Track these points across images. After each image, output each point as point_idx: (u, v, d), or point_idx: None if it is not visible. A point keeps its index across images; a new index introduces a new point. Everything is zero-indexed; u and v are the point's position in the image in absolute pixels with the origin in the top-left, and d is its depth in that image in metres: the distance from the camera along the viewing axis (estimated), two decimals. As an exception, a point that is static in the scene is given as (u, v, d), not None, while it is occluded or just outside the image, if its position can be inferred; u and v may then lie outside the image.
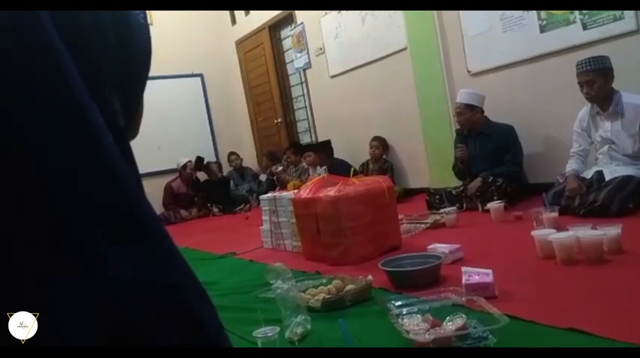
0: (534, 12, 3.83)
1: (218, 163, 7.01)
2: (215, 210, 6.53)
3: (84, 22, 0.46)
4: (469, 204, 3.76)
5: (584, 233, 2.16)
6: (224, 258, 3.44)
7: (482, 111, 3.97)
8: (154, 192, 6.55)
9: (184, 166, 6.59)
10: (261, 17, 6.85)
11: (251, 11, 7.03)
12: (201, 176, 6.90)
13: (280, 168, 6.29)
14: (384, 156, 5.19)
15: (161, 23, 6.53)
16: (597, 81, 3.13)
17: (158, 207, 6.58)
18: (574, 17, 3.60)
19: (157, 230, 0.46)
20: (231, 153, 7.00)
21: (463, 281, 1.92)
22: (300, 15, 6.18)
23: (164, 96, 6.42)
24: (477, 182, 3.77)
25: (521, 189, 3.79)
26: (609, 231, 2.17)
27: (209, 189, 6.73)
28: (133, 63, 0.55)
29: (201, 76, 7.40)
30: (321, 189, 2.90)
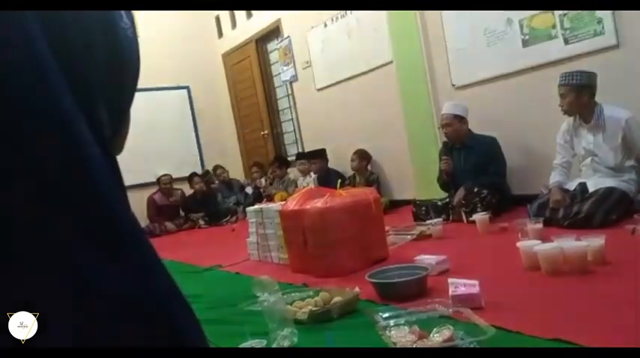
0: (517, 26, 3.90)
1: (222, 168, 6.99)
2: (201, 222, 6.49)
3: (73, 34, 0.46)
4: (455, 215, 3.79)
5: (568, 244, 2.18)
6: (210, 270, 3.41)
7: (467, 123, 4.03)
8: (139, 204, 6.51)
9: (159, 179, 6.56)
10: (247, 30, 6.88)
11: (237, 24, 7.05)
12: (187, 189, 6.87)
13: (264, 182, 6.31)
14: (369, 168, 5.21)
15: (148, 35, 6.53)
16: (568, 96, 3.19)
17: (143, 220, 6.53)
18: (556, 32, 3.67)
19: (141, 243, 0.46)
20: (217, 167, 6.98)
21: (450, 292, 1.92)
22: (287, 28, 6.22)
23: (151, 109, 6.39)
24: (460, 192, 3.80)
25: (505, 200, 3.83)
26: (593, 242, 2.19)
27: (195, 201, 6.69)
28: (121, 75, 0.55)
29: (187, 88, 7.39)
30: (308, 200, 2.90)
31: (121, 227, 0.44)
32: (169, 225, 6.44)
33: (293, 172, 6.16)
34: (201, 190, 6.71)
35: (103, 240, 0.40)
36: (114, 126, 0.54)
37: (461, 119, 3.99)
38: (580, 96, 3.18)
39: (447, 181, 4.04)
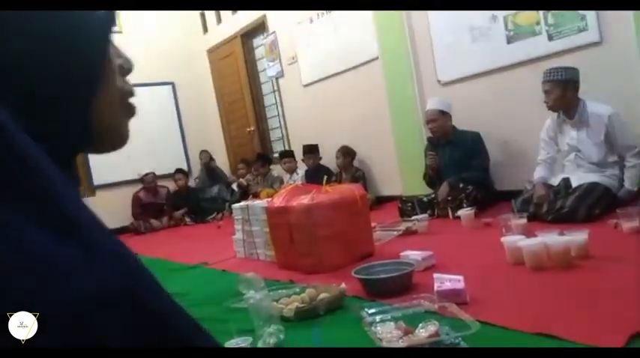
0: (501, 23, 3.92)
1: (207, 152, 6.97)
2: (187, 219, 6.46)
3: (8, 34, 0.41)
4: (440, 211, 3.81)
5: (552, 239, 2.20)
6: (196, 268, 3.39)
7: (451, 118, 4.05)
8: (123, 201, 6.46)
9: (146, 175, 6.51)
10: (233, 26, 6.83)
11: (223, 19, 7.00)
12: (172, 186, 6.82)
13: (245, 182, 6.29)
14: (354, 165, 5.22)
15: (131, 30, 6.46)
16: (554, 91, 3.22)
17: (128, 217, 6.48)
18: (540, 28, 3.70)
19: (99, 232, 0.42)
20: (202, 151, 6.99)
21: (435, 287, 1.93)
22: (273, 24, 6.19)
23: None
24: (444, 187, 3.83)
25: (490, 195, 3.86)
26: (577, 237, 2.22)
27: (180, 197, 6.66)
28: (76, 70, 0.45)
29: (172, 84, 7.33)
30: (295, 197, 2.89)
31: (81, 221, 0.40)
32: (154, 222, 6.39)
33: (277, 169, 6.15)
34: (184, 186, 6.68)
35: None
36: (83, 128, 0.46)
37: (445, 114, 4.01)
38: (565, 91, 3.21)
39: (433, 177, 4.06)
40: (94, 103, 0.46)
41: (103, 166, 6.27)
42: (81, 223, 0.38)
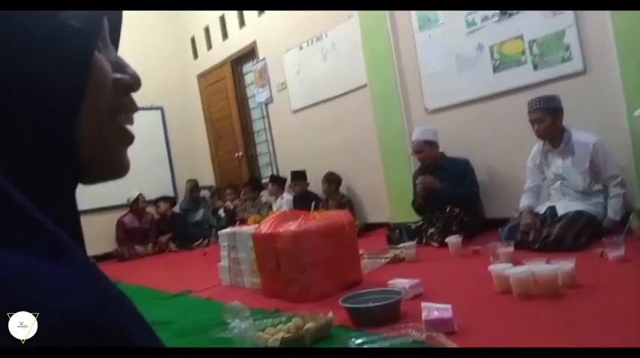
0: (487, 52, 3.99)
1: (192, 181, 6.91)
2: (172, 245, 6.38)
3: None
4: (428, 239, 3.80)
5: (539, 268, 2.19)
6: (180, 296, 3.33)
7: (438, 146, 4.07)
8: (107, 227, 6.37)
9: (136, 200, 6.44)
10: (223, 52, 6.88)
11: (213, 45, 7.06)
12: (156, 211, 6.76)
13: (231, 206, 6.26)
14: (340, 191, 5.22)
15: (122, 54, 6.47)
16: (546, 119, 3.26)
17: (112, 243, 6.39)
18: (525, 58, 3.77)
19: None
20: (188, 181, 6.94)
21: (423, 317, 1.91)
22: (263, 50, 6.25)
23: None
24: (433, 217, 3.82)
25: (478, 221, 3.87)
26: (564, 266, 2.22)
27: (165, 223, 6.59)
28: (50, 90, 0.38)
29: (161, 108, 7.33)
30: (282, 223, 2.87)
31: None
32: (139, 248, 6.30)
33: (265, 195, 6.13)
34: (164, 214, 6.64)
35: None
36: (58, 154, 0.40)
37: (431, 143, 4.04)
38: (555, 119, 3.26)
39: (423, 204, 4.06)
40: (78, 128, 0.40)
41: (85, 192, 6.15)
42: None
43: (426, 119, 4.45)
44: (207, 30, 7.09)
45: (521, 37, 3.77)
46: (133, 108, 0.47)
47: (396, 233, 3.97)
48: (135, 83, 0.47)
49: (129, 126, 0.47)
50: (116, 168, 0.46)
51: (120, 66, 0.46)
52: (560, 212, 3.20)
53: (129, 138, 0.47)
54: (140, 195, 6.44)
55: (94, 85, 0.41)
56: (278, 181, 5.84)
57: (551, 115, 3.25)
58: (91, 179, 0.45)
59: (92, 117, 0.41)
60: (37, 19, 0.37)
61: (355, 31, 4.93)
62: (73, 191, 0.43)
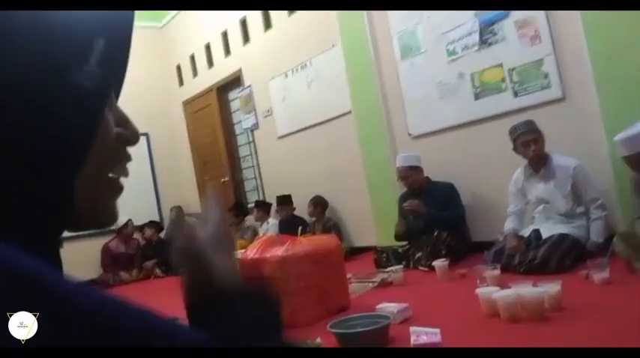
0: (469, 80, 4.08)
1: (178, 208, 6.86)
2: (157, 271, 6.29)
3: None
4: (416, 262, 3.81)
5: (525, 291, 2.22)
6: (166, 323, 3.28)
7: (422, 171, 4.12)
8: (91, 253, 6.28)
9: (125, 225, 6.37)
10: (209, 79, 6.94)
11: (199, 72, 7.11)
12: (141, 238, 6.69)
13: None
14: (326, 215, 5.23)
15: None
16: (540, 140, 3.33)
17: (96, 270, 6.29)
18: (505, 85, 3.86)
19: None
20: (173, 208, 6.89)
21: (412, 341, 1.92)
22: (248, 78, 6.31)
23: None
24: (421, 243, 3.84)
25: (465, 245, 3.90)
26: (550, 289, 2.24)
27: (150, 248, 6.52)
28: (58, 145, 0.40)
29: (146, 135, 7.32)
30: (269, 248, 2.86)
31: None
32: (124, 274, 6.20)
33: (250, 220, 6.11)
34: (150, 239, 6.57)
35: None
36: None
37: (416, 169, 4.08)
38: (544, 141, 3.33)
39: (405, 231, 4.07)
40: (76, 182, 0.42)
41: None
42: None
43: (410, 144, 4.51)
44: (192, 58, 7.16)
45: (501, 66, 3.87)
46: (129, 159, 0.49)
47: (383, 256, 3.98)
48: (135, 138, 0.49)
49: (121, 178, 0.49)
50: (105, 218, 0.48)
51: (122, 120, 0.48)
52: (545, 235, 3.25)
53: (119, 190, 0.49)
54: (130, 220, 6.39)
55: (98, 141, 0.43)
56: (263, 206, 5.84)
57: (542, 136, 3.33)
58: (80, 227, 0.46)
59: (92, 170, 0.43)
60: (50, 77, 0.39)
61: (339, 58, 5.02)
62: (60, 237, 0.44)
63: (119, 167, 0.48)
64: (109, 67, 0.43)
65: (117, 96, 0.49)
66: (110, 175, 0.47)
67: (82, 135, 0.41)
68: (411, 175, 4.07)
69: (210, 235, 0.61)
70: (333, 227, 5.06)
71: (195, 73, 7.19)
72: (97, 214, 0.47)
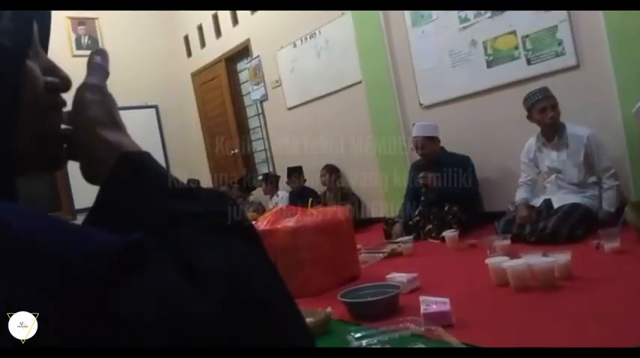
0: (481, 48, 4.00)
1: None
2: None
3: None
4: (426, 235, 3.80)
5: (535, 260, 2.22)
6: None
7: (439, 141, 4.06)
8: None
9: None
10: (217, 50, 6.87)
11: (207, 44, 7.04)
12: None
13: None
14: (339, 184, 5.24)
15: (116, 53, 6.45)
16: (557, 106, 3.28)
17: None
18: (518, 53, 3.78)
19: None
20: (190, 180, 6.91)
21: (421, 310, 1.93)
22: (256, 48, 6.24)
23: None
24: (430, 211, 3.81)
25: (475, 216, 3.88)
26: (559, 258, 2.24)
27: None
28: None
29: (155, 107, 7.31)
30: (280, 220, 2.88)
31: None
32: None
33: (255, 194, 6.12)
34: None
35: None
36: None
37: (433, 139, 4.02)
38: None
39: (429, 196, 3.99)
40: (14, 129, 0.45)
41: (84, 190, 6.15)
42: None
43: (421, 114, 4.46)
44: (200, 28, 7.07)
45: (514, 33, 3.78)
46: (63, 105, 0.51)
47: (393, 228, 3.99)
48: (65, 85, 0.51)
49: (60, 124, 0.51)
50: (51, 161, 0.51)
51: (51, 69, 0.50)
52: (556, 205, 3.22)
53: (59, 135, 0.51)
54: None
55: (26, 91, 0.45)
56: (272, 178, 5.84)
57: (557, 104, 3.28)
58: (30, 172, 0.50)
59: (26, 118, 0.46)
60: None
61: (348, 27, 4.94)
62: (13, 183, 0.47)
63: (55, 114, 0.50)
64: (24, 21, 0.45)
65: (43, 45, 0.51)
66: (50, 122, 0.49)
67: (6, 87, 0.43)
68: (428, 145, 4.00)
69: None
70: (347, 194, 5.06)
71: (203, 43, 7.13)
72: (42, 158, 0.50)
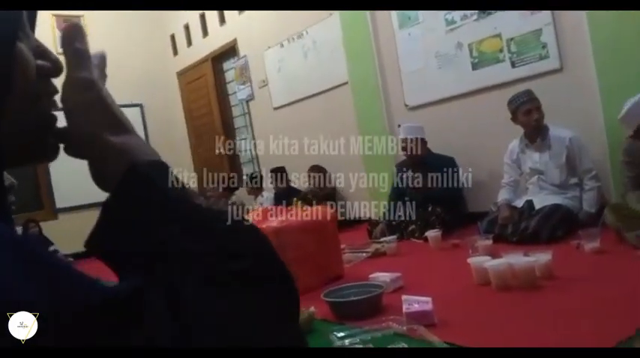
0: (466, 50, 4.04)
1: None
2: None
3: None
4: (409, 235, 3.82)
5: (517, 260, 2.24)
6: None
7: (426, 142, 4.08)
8: (88, 225, 6.24)
9: None
10: (203, 49, 6.84)
11: (193, 43, 7.01)
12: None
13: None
14: (325, 185, 5.24)
15: (99, 50, 6.40)
16: (541, 108, 3.32)
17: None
18: (503, 55, 3.82)
19: None
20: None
21: (404, 309, 1.94)
22: (243, 48, 6.23)
23: None
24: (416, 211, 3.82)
25: (459, 216, 3.91)
26: (540, 258, 2.26)
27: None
28: None
29: (140, 105, 7.25)
30: (264, 219, 2.88)
31: None
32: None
33: (238, 194, 6.10)
34: None
35: None
36: None
37: (421, 141, 4.04)
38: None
39: (416, 198, 3.99)
40: (2, 115, 0.42)
41: (66, 189, 6.10)
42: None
43: (407, 115, 4.49)
44: (187, 27, 7.04)
45: (499, 36, 3.82)
46: (55, 92, 0.48)
47: (376, 228, 4.00)
48: (56, 69, 0.47)
49: (52, 111, 0.48)
50: (41, 151, 0.47)
51: (42, 52, 0.46)
52: (538, 205, 3.26)
53: (52, 121, 0.48)
54: None
55: (17, 73, 0.42)
56: (257, 179, 5.82)
57: (541, 106, 3.32)
58: (18, 162, 0.47)
59: (16, 104, 0.42)
60: None
61: (336, 28, 4.95)
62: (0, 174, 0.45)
63: (46, 100, 0.47)
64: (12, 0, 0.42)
65: (32, 28, 0.47)
66: (41, 109, 0.46)
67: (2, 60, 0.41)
68: (415, 146, 4.02)
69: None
70: (332, 194, 5.07)
71: (189, 42, 7.09)
72: (32, 148, 0.47)
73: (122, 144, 0.45)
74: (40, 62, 0.46)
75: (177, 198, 0.44)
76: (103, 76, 0.49)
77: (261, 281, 0.41)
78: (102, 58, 0.50)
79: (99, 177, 0.47)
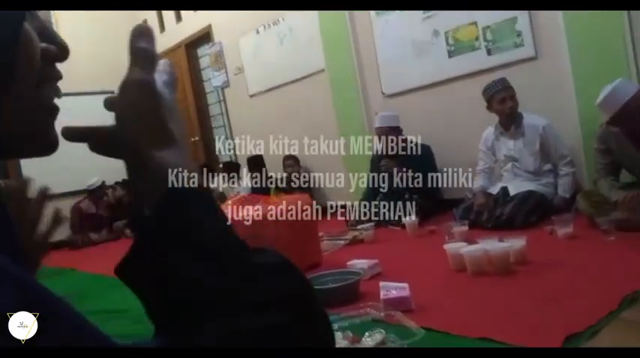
0: (443, 38, 4.05)
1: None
2: (127, 232, 6.23)
3: None
4: (386, 222, 3.84)
5: (492, 246, 2.27)
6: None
7: (402, 131, 4.10)
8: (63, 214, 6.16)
9: (100, 187, 6.27)
10: (177, 35, 6.72)
11: (166, 28, 6.88)
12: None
13: None
14: (300, 174, 5.23)
15: (72, 37, 6.22)
16: (515, 96, 3.36)
17: (65, 231, 6.19)
18: (479, 44, 3.85)
19: None
20: None
21: (381, 296, 1.96)
22: (218, 34, 6.14)
23: (74, 114, 5.92)
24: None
25: (435, 203, 3.95)
26: (515, 244, 2.30)
27: (120, 209, 6.43)
28: None
29: (112, 93, 7.09)
30: (241, 208, 2.86)
31: None
32: (93, 235, 6.14)
33: (216, 183, 6.06)
34: (122, 199, 6.46)
35: None
36: None
37: (396, 129, 4.05)
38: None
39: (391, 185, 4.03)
40: (4, 101, 0.39)
41: (38, 178, 5.94)
42: None
43: (384, 103, 4.49)
44: (159, 13, 6.90)
45: (475, 24, 3.84)
46: (59, 78, 0.45)
47: (354, 215, 4.01)
48: (62, 53, 0.45)
49: (55, 99, 0.45)
50: (44, 142, 0.44)
51: (47, 35, 0.43)
52: (512, 192, 3.31)
53: (54, 110, 0.45)
54: (104, 182, 6.29)
55: (22, 58, 0.39)
56: (233, 167, 5.78)
57: (515, 94, 3.36)
58: (19, 154, 0.44)
59: (20, 91, 0.40)
60: None
61: (313, 15, 4.90)
62: None
63: (50, 86, 0.44)
64: None
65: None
66: (44, 96, 0.44)
67: (3, 49, 0.38)
68: (390, 135, 4.04)
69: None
70: (307, 185, 5.06)
71: (162, 28, 6.95)
72: (34, 139, 0.43)
73: (160, 159, 0.42)
74: (44, 45, 0.43)
75: (213, 230, 0.41)
76: (170, 84, 0.47)
77: (298, 338, 0.39)
78: (168, 66, 0.48)
79: (137, 192, 0.45)
